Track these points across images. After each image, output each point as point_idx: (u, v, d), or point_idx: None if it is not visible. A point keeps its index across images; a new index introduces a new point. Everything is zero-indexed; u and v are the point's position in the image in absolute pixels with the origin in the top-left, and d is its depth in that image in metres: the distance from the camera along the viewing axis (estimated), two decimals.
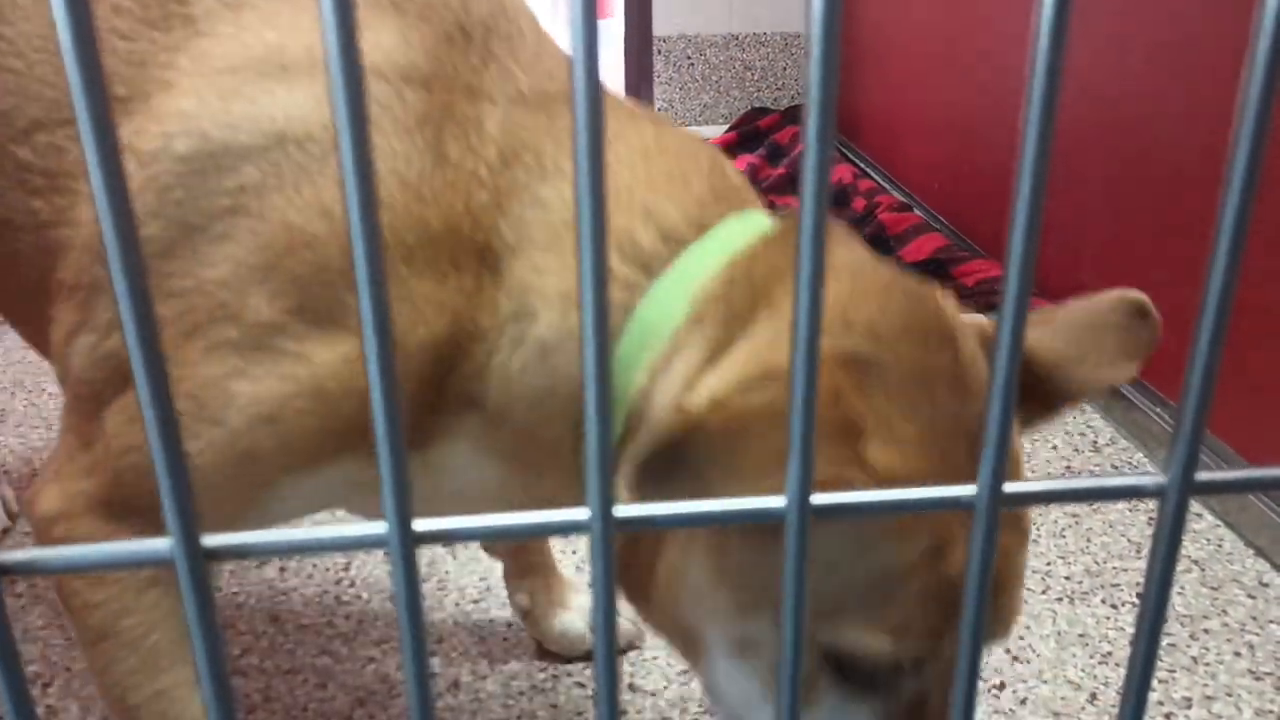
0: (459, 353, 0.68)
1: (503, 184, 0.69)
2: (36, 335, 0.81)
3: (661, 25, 3.10)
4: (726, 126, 3.06)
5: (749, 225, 0.70)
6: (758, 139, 2.89)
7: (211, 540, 0.27)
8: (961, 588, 0.56)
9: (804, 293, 0.26)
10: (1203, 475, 0.30)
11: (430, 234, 0.67)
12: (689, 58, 3.14)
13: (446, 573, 1.31)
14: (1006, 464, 0.28)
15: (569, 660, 1.17)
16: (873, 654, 0.58)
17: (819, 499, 0.28)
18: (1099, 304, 0.69)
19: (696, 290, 0.66)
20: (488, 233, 0.68)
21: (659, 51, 3.12)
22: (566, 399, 0.68)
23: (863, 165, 2.79)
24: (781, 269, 0.66)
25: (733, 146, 2.88)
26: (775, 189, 2.54)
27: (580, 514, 0.28)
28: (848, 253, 0.68)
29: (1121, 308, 0.68)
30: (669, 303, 0.67)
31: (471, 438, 0.71)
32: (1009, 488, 0.28)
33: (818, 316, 0.27)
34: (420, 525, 0.28)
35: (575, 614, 1.18)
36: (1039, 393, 0.67)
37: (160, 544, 0.27)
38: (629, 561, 0.67)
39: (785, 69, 3.18)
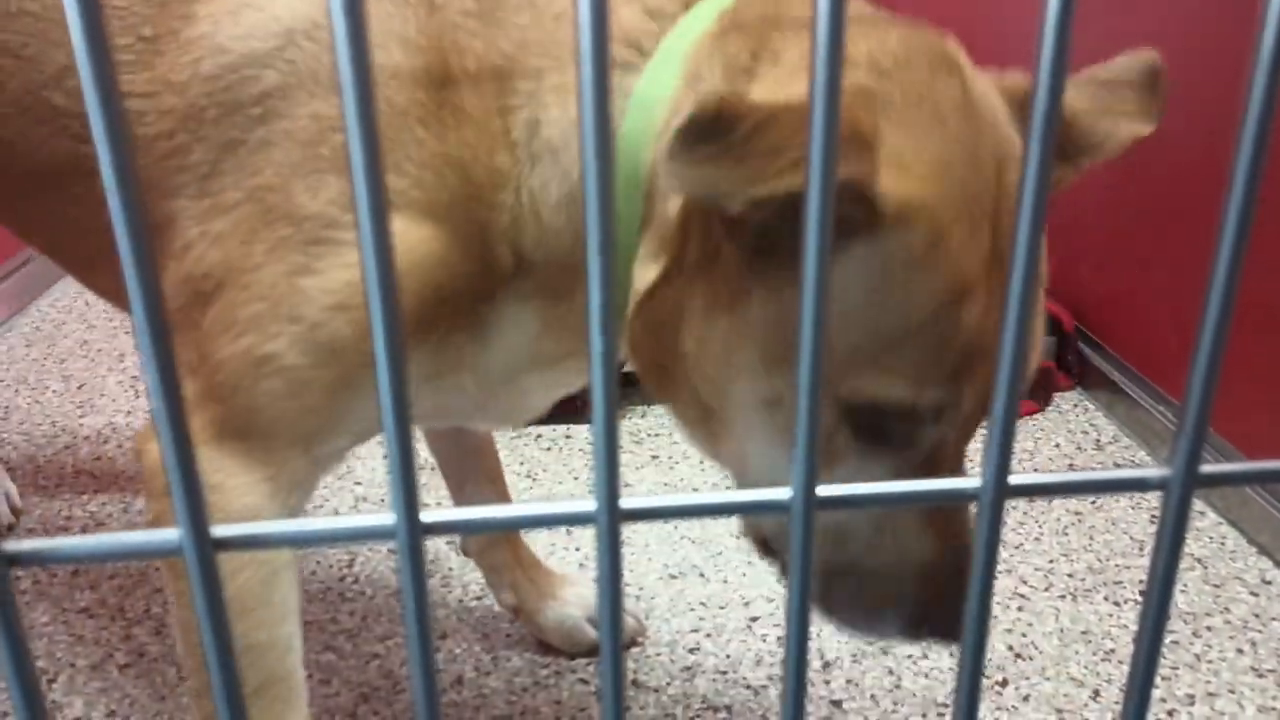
0: (487, 206, 0.68)
1: (488, 6, 0.69)
2: (110, 283, 0.85)
3: None
4: None
5: None
6: None
7: (220, 530, 0.27)
8: (979, 338, 0.58)
9: (809, 283, 0.26)
10: (1206, 468, 0.30)
11: (435, 85, 0.68)
12: None
13: (450, 569, 1.32)
14: (1010, 457, 0.28)
15: (572, 657, 1.18)
16: (894, 402, 0.58)
17: (823, 491, 0.28)
18: (1116, 65, 0.70)
19: (689, 52, 0.65)
20: (483, 65, 0.68)
21: None
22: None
23: None
24: (775, 15, 0.65)
25: None
26: None
27: (586, 505, 0.28)
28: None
29: (1137, 67, 0.69)
30: (666, 75, 0.66)
31: (520, 297, 0.72)
32: (1014, 479, 0.28)
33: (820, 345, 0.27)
34: (428, 516, 0.28)
35: (569, 605, 1.17)
36: (1062, 145, 0.67)
37: (169, 534, 0.27)
38: (645, 338, 0.67)
39: None
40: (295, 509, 0.75)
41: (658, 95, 0.66)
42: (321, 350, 0.68)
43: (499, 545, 1.16)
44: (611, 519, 0.28)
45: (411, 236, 0.67)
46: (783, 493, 0.28)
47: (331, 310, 0.67)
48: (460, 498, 1.17)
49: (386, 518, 0.28)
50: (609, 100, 0.24)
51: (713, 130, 0.49)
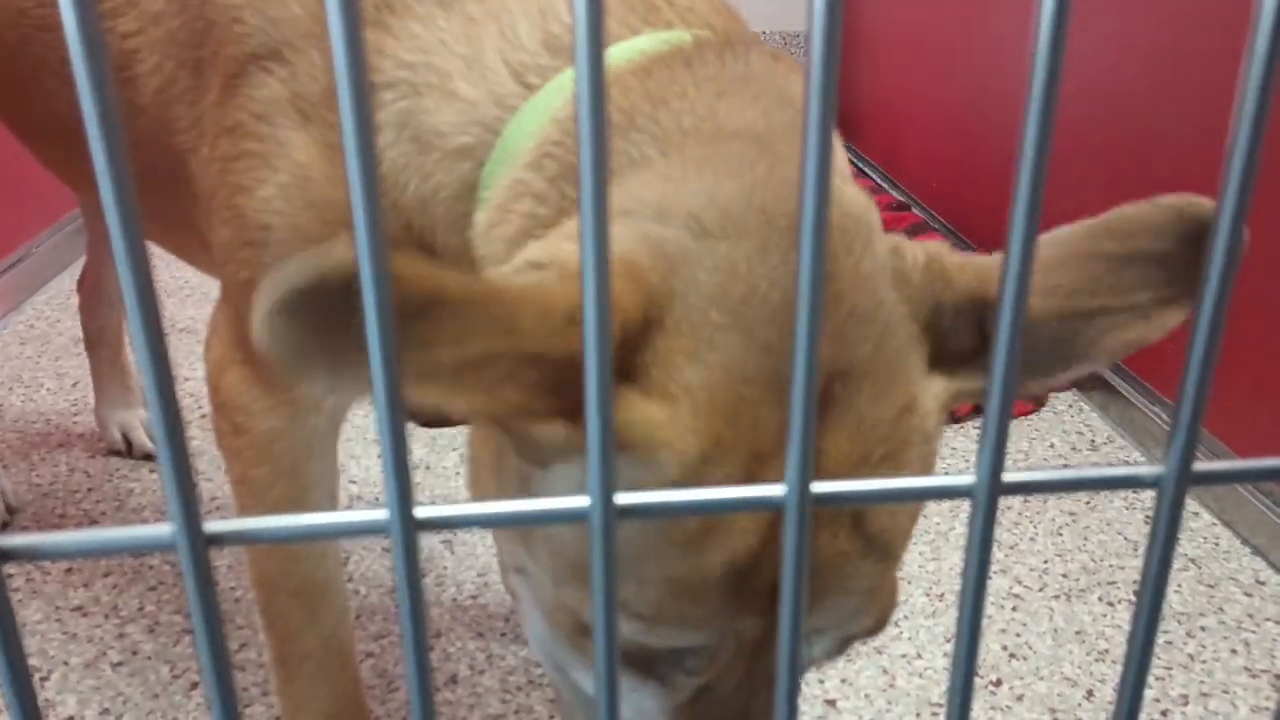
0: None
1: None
2: (169, 234, 0.86)
3: None
4: None
5: (650, 44, 0.58)
6: None
7: (213, 526, 0.27)
8: (743, 579, 0.47)
9: (805, 298, 0.26)
10: (1200, 466, 0.30)
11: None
12: None
13: (444, 568, 1.31)
14: (1004, 454, 0.28)
15: None
16: (623, 639, 0.49)
17: (820, 487, 0.28)
18: (1142, 215, 0.50)
19: (554, 117, 0.56)
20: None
21: None
22: (447, 193, 0.61)
23: (861, 165, 2.79)
24: (635, 114, 0.54)
25: None
26: None
27: (582, 502, 0.28)
28: (743, 114, 0.54)
29: (1172, 224, 0.49)
30: (526, 131, 0.57)
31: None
32: (1008, 476, 0.28)
33: (817, 325, 0.27)
34: (421, 512, 0.28)
35: None
36: (1034, 354, 0.50)
37: (162, 529, 0.27)
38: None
39: None
40: (323, 432, 0.77)
41: (516, 149, 0.58)
42: (274, 256, 0.66)
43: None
44: (606, 515, 0.28)
45: (291, 141, 0.64)
46: (777, 489, 0.28)
47: (264, 231, 0.65)
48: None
49: (380, 513, 0.28)
50: (605, 106, 0.24)
51: (314, 301, 0.36)
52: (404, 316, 0.35)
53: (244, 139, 0.65)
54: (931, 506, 1.44)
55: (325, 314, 0.33)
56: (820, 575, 0.48)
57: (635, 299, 0.45)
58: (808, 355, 0.27)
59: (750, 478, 0.45)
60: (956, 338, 0.51)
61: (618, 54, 0.58)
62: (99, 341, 1.54)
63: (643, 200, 0.50)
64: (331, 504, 0.81)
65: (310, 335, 0.33)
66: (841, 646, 0.54)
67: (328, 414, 0.77)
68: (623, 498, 0.29)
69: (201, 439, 1.60)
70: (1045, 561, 1.34)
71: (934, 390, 0.50)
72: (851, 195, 0.53)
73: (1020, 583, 1.30)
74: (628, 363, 0.45)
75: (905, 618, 1.24)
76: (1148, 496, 1.46)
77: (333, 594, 0.83)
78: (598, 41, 0.23)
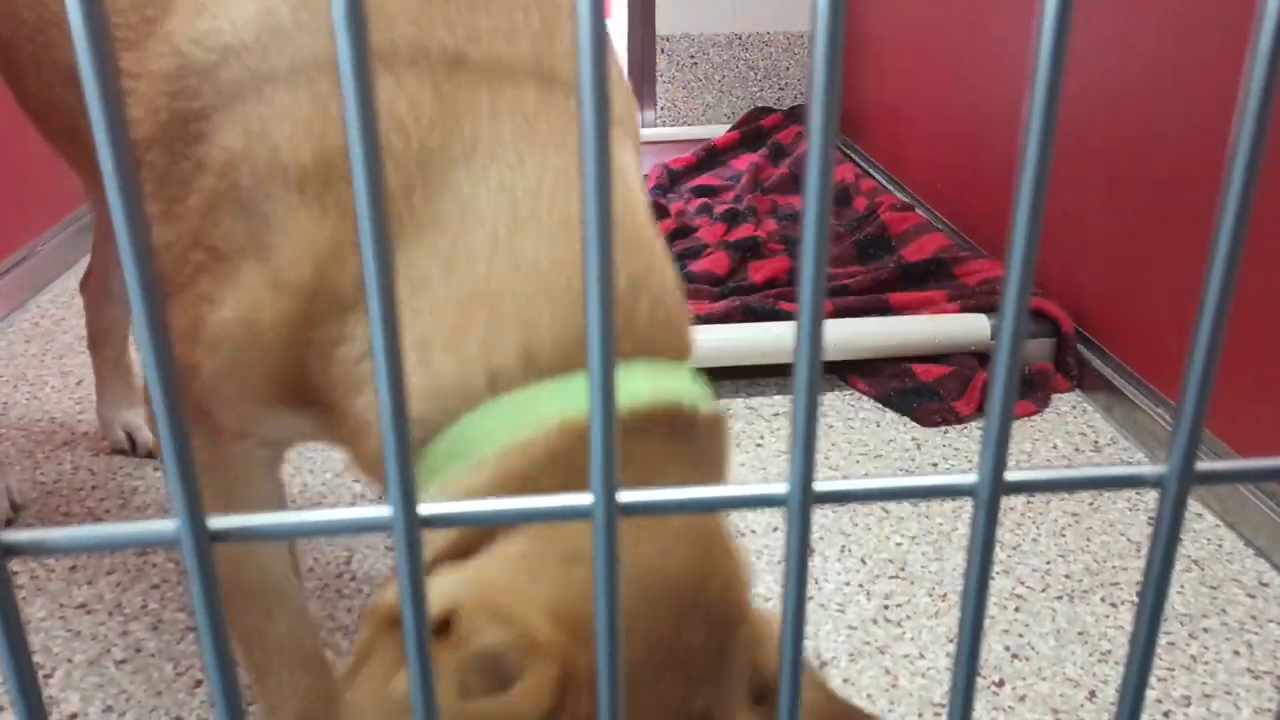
0: (314, 317, 0.63)
1: (429, 147, 0.62)
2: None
3: (664, 24, 3.10)
4: (729, 126, 3.07)
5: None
6: (760, 138, 2.90)
7: (217, 522, 0.27)
8: None
9: (806, 292, 0.26)
10: (1202, 465, 0.30)
11: (326, 158, 0.62)
12: (692, 57, 3.14)
13: None
14: (1006, 453, 0.28)
15: None
16: None
17: (821, 486, 0.28)
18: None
19: (520, 443, 0.57)
20: (393, 194, 0.61)
21: (662, 50, 3.12)
22: (376, 443, 0.63)
23: (865, 165, 2.79)
24: (562, 468, 0.56)
25: (735, 146, 2.88)
26: (778, 188, 2.54)
27: (584, 499, 0.28)
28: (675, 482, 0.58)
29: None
30: (489, 437, 0.58)
31: (313, 421, 0.69)
32: (1010, 475, 0.28)
33: (819, 315, 0.27)
34: (425, 509, 0.28)
35: None
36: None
37: (166, 525, 0.27)
38: None
39: (788, 69, 3.18)
40: (258, 459, 0.79)
41: (470, 453, 0.59)
42: (217, 374, 0.68)
43: None
44: (609, 513, 0.28)
45: (260, 294, 0.64)
46: (780, 487, 0.28)
47: (216, 341, 0.67)
48: None
49: (383, 510, 0.28)
50: (607, 118, 0.24)
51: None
52: None
53: (219, 262, 0.66)
54: (934, 507, 1.44)
55: None
56: None
57: (552, 693, 0.50)
58: (809, 354, 0.27)
59: None
60: (760, 689, 0.59)
61: (558, 401, 0.59)
62: (103, 341, 1.55)
63: (559, 549, 0.54)
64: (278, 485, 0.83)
65: None
66: None
67: (264, 457, 0.78)
68: (626, 495, 0.29)
69: None
70: (1048, 562, 1.34)
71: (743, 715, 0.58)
72: (758, 615, 0.59)
73: (1023, 583, 1.30)
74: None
75: (908, 618, 1.24)
76: (1150, 498, 1.46)
77: (286, 595, 0.85)
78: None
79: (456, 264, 0.60)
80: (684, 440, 0.59)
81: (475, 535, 0.56)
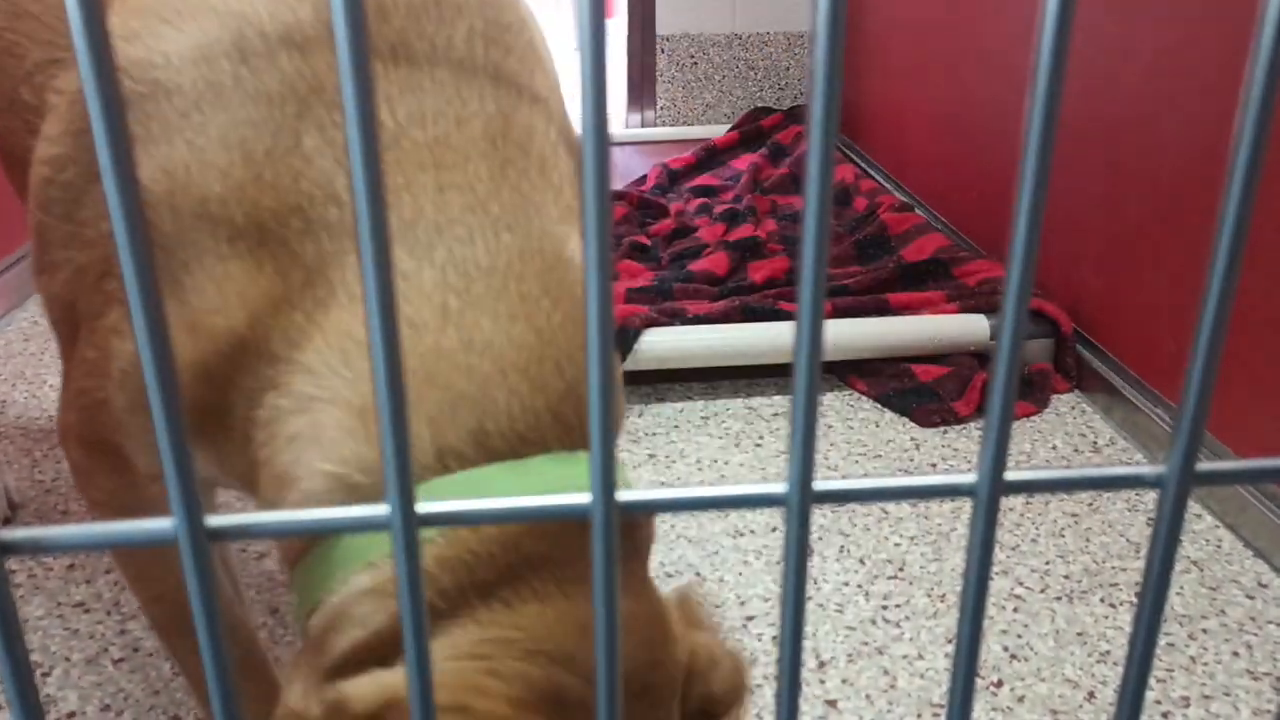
0: (241, 364, 0.62)
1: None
2: None
3: (665, 24, 3.10)
4: (729, 126, 3.07)
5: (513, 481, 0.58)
6: (760, 139, 2.90)
7: (215, 520, 0.27)
8: None
9: (807, 296, 0.26)
10: (1202, 466, 0.30)
11: (259, 220, 0.61)
12: (692, 57, 3.14)
13: None
14: (1006, 453, 0.28)
15: None
16: None
17: (821, 485, 0.28)
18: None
19: (460, 533, 0.56)
20: (323, 254, 0.60)
21: (662, 50, 3.12)
22: (300, 496, 0.60)
23: (865, 165, 2.79)
24: (549, 557, 0.56)
25: (735, 146, 2.88)
26: (777, 188, 2.54)
27: (583, 498, 0.28)
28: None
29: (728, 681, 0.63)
30: (364, 552, 0.57)
31: (217, 465, 0.67)
32: (1010, 475, 0.28)
33: (820, 330, 0.27)
34: (423, 508, 0.28)
35: None
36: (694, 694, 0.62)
37: (164, 524, 0.27)
38: None
39: (788, 69, 3.18)
40: (153, 499, 0.79)
41: (345, 562, 0.57)
42: (128, 407, 0.68)
43: None
44: (607, 511, 0.28)
45: (174, 334, 0.63)
46: (779, 487, 0.28)
47: (125, 375, 0.66)
48: None
49: (381, 509, 0.28)
50: (606, 118, 0.24)
51: None
52: None
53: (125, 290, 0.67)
54: (933, 507, 1.44)
55: None
56: None
57: None
58: (809, 354, 0.27)
59: None
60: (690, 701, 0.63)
61: (540, 484, 0.59)
62: None
63: (521, 638, 0.55)
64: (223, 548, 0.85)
65: None
66: None
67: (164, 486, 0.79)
68: (625, 495, 0.29)
69: None
70: (1047, 563, 1.34)
71: None
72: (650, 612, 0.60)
73: (1022, 584, 1.30)
74: None
75: (906, 619, 1.24)
76: (1150, 499, 1.46)
77: (223, 609, 0.86)
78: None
79: (403, 332, 0.59)
80: (624, 536, 0.61)
81: (389, 640, 0.55)
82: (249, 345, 0.61)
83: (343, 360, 0.59)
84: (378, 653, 0.55)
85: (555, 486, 0.57)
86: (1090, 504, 1.46)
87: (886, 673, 1.16)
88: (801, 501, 0.28)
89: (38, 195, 0.71)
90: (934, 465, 1.57)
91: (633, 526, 0.61)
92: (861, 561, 1.34)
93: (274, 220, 0.61)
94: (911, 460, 1.58)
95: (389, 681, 0.52)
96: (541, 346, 0.60)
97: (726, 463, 1.57)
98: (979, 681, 1.15)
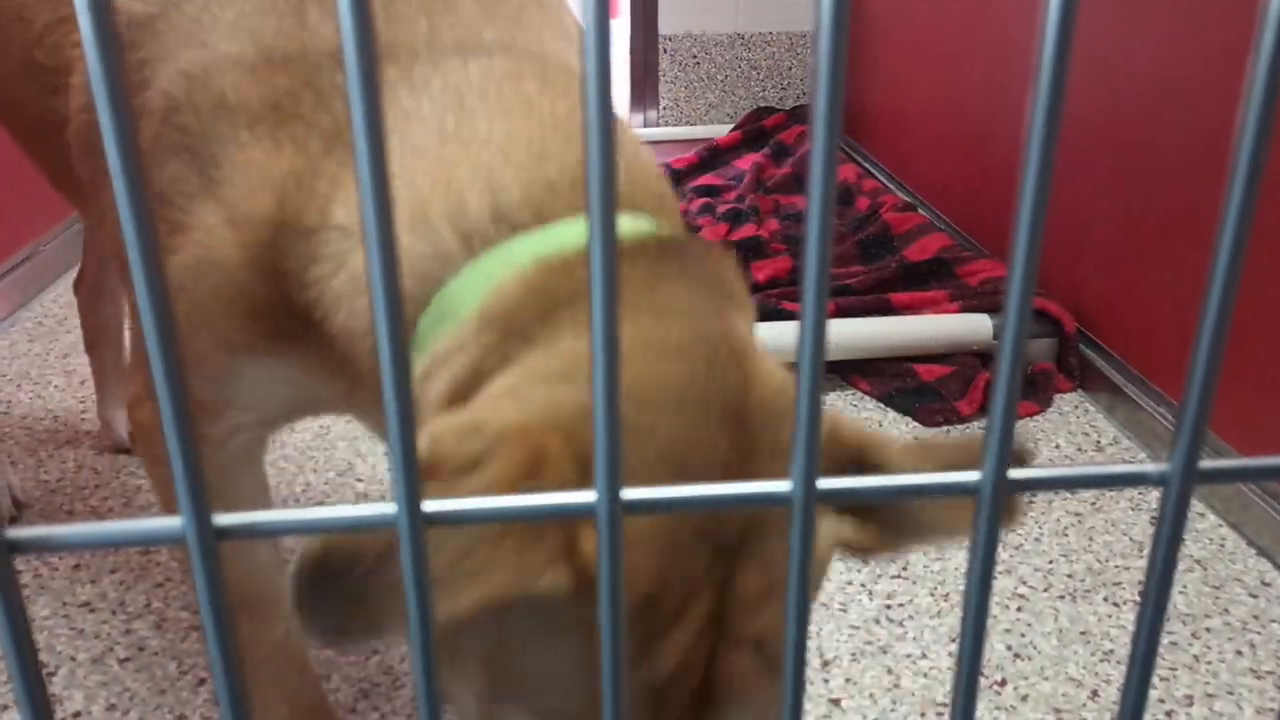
0: (284, 249, 0.64)
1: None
2: (95, 220, 0.87)
3: (667, 24, 3.10)
4: (732, 125, 3.07)
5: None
6: (763, 138, 2.90)
7: (223, 519, 0.27)
8: (666, 692, 0.50)
9: (810, 290, 0.26)
10: (1205, 464, 0.30)
11: (274, 100, 0.64)
12: (695, 57, 3.14)
13: None
14: (1010, 450, 0.28)
15: None
16: None
17: (825, 483, 0.28)
18: (961, 442, 0.59)
19: (497, 287, 0.58)
20: (337, 119, 0.63)
21: (664, 50, 3.12)
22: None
23: (868, 165, 2.79)
24: (581, 293, 0.57)
25: (738, 146, 2.88)
26: (780, 188, 2.54)
27: (588, 497, 0.28)
28: (672, 295, 0.58)
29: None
30: (470, 293, 0.60)
31: (299, 362, 0.68)
32: (1014, 473, 0.28)
33: (823, 322, 0.27)
34: (430, 506, 0.28)
35: None
36: (895, 512, 0.59)
37: (172, 523, 0.27)
38: None
39: (791, 68, 3.18)
40: (240, 460, 0.78)
41: (454, 310, 0.60)
42: (183, 329, 0.68)
43: None
44: (613, 511, 0.28)
45: (218, 233, 0.65)
46: (783, 485, 0.28)
47: (178, 290, 0.67)
48: None
49: (388, 507, 0.28)
50: (611, 118, 0.25)
51: (329, 575, 0.41)
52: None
53: (169, 208, 0.67)
54: None
55: (346, 588, 0.40)
56: (726, 691, 0.53)
57: (574, 466, 0.48)
58: (812, 354, 0.27)
59: (682, 610, 0.50)
60: None
61: (567, 236, 0.60)
62: (101, 341, 1.55)
63: (585, 363, 0.53)
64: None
65: (340, 610, 0.40)
66: None
67: (240, 447, 0.78)
68: (629, 493, 0.29)
69: None
70: (1050, 562, 1.34)
71: (825, 532, 0.57)
72: (772, 371, 0.58)
73: (1025, 583, 1.30)
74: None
75: (910, 618, 1.24)
76: (1153, 498, 1.46)
77: (279, 604, 0.84)
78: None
79: (405, 160, 0.62)
80: (675, 261, 0.59)
81: (472, 380, 0.56)
82: (286, 226, 0.63)
83: (356, 195, 0.62)
84: (460, 398, 0.56)
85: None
86: (1094, 503, 1.46)
87: (890, 672, 1.16)
88: (805, 499, 0.28)
89: (83, 142, 0.74)
90: None
91: (707, 256, 0.61)
92: (865, 560, 1.34)
93: (288, 98, 0.63)
94: None
95: (428, 431, 0.52)
96: (544, 130, 0.63)
97: None
98: (982, 680, 1.15)
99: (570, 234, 0.60)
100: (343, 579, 0.41)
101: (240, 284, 0.65)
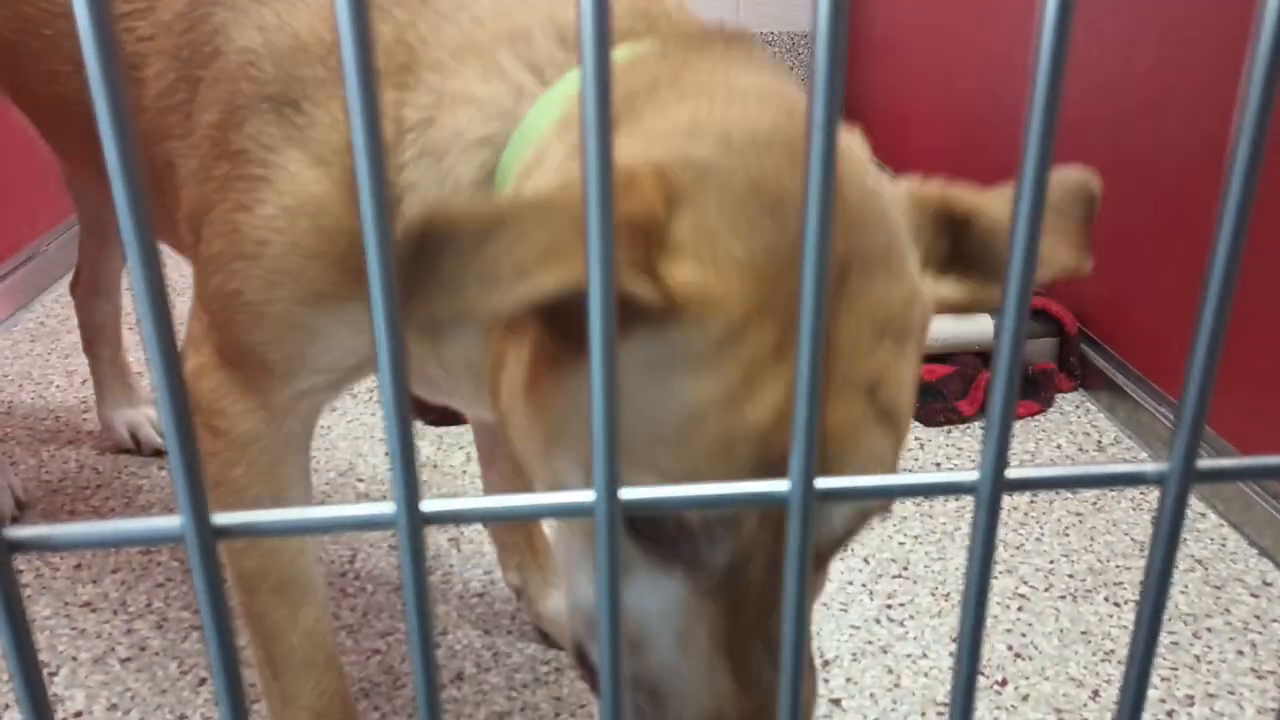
0: None
1: None
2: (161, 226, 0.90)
3: None
4: None
5: (655, 46, 0.64)
6: None
7: (221, 519, 0.27)
8: (766, 449, 0.49)
9: (809, 292, 0.27)
10: (1204, 463, 0.30)
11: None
12: None
13: (451, 566, 1.32)
14: (1007, 449, 0.28)
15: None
16: (654, 514, 0.51)
17: (823, 483, 0.28)
18: (1057, 188, 0.61)
19: (575, 94, 0.61)
20: (399, 27, 0.66)
21: None
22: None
23: None
24: (661, 79, 0.59)
25: None
26: None
27: (586, 496, 0.28)
28: (755, 79, 0.60)
29: (1073, 192, 0.62)
30: (548, 112, 0.62)
31: None
32: (1012, 473, 0.28)
33: (822, 314, 0.27)
34: (428, 506, 0.28)
35: None
36: (992, 260, 0.59)
37: (171, 522, 0.27)
38: (490, 367, 0.62)
39: (791, 68, 3.18)
40: (297, 434, 0.79)
41: (536, 129, 0.62)
42: (265, 285, 0.69)
43: (515, 524, 1.17)
44: (610, 510, 0.28)
45: (304, 175, 0.67)
46: (783, 484, 0.28)
47: (260, 246, 0.69)
48: (488, 476, 1.19)
49: (387, 507, 0.28)
50: (609, 103, 0.25)
51: (425, 250, 0.42)
52: (476, 242, 0.42)
53: (248, 164, 0.69)
54: (937, 506, 1.44)
55: (436, 277, 0.42)
56: (837, 441, 0.51)
57: (661, 193, 0.50)
58: (812, 358, 0.27)
59: (783, 345, 0.50)
60: (935, 248, 0.59)
61: (629, 50, 0.64)
62: (99, 340, 1.55)
63: (674, 124, 0.55)
64: (307, 503, 0.83)
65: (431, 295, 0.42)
66: (858, 522, 0.56)
67: (302, 417, 0.79)
68: (627, 493, 0.29)
69: None
70: (1051, 562, 1.34)
71: (927, 294, 0.57)
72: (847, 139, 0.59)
73: (1026, 583, 1.30)
74: (665, 241, 0.50)
75: (911, 618, 1.24)
76: (1154, 497, 1.45)
77: (313, 590, 0.85)
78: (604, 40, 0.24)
79: (460, 19, 0.66)
80: (740, 48, 0.63)
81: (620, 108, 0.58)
82: None
83: (435, 102, 0.65)
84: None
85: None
86: (1095, 503, 1.46)
87: (891, 671, 1.16)
88: (805, 499, 0.28)
89: (161, 125, 0.76)
90: (938, 464, 1.57)
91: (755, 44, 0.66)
92: (866, 561, 1.34)
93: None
94: (916, 459, 1.58)
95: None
96: None
97: None
98: (983, 680, 1.15)
99: (634, 47, 0.63)
100: (437, 259, 0.42)
101: (332, 222, 0.67)
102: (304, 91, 0.68)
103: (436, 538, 1.36)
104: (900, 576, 1.31)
